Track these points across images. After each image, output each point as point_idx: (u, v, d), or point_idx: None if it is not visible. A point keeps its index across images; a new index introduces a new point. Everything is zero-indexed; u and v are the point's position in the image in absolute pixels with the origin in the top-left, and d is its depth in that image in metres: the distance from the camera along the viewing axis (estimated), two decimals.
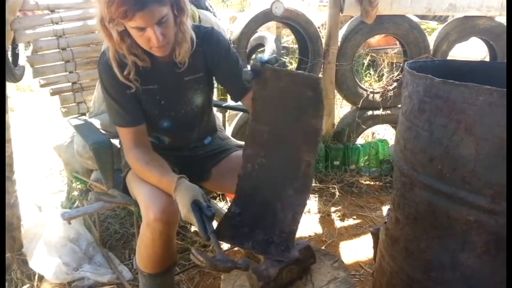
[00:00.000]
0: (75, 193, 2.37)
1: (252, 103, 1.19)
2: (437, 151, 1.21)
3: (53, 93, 1.91)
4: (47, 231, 1.94)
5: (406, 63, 1.41)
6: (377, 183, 2.92)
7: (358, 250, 2.14)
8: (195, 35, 1.36)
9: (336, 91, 2.91)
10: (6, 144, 1.76)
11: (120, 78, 1.30)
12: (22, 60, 3.22)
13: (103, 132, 1.65)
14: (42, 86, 1.89)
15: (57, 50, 1.92)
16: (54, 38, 1.89)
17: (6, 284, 1.76)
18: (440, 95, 1.19)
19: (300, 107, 1.16)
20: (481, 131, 1.11)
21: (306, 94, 1.14)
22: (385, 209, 2.57)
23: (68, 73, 1.93)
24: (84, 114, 1.96)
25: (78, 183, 2.17)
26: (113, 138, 1.57)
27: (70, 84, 1.94)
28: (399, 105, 3.05)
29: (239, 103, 1.66)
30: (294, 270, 1.07)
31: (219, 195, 2.47)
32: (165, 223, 1.25)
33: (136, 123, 1.37)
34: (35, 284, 1.79)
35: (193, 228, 2.25)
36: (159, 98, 1.42)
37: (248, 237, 1.12)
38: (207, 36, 1.42)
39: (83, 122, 1.74)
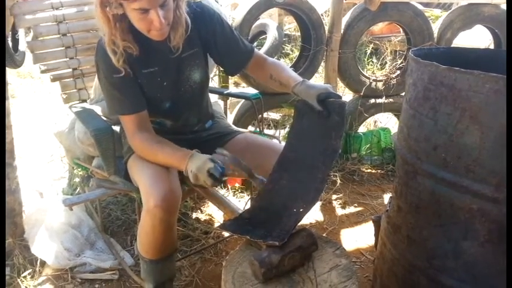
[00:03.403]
0: (77, 179, 2.37)
1: (288, 135, 1.39)
2: (442, 139, 1.20)
3: (54, 80, 1.89)
4: (49, 217, 1.94)
5: (410, 50, 1.39)
6: (379, 171, 2.91)
7: (359, 237, 2.15)
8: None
9: (338, 79, 2.89)
10: (7, 131, 1.76)
11: (115, 65, 1.29)
12: (22, 46, 3.19)
13: (104, 118, 1.63)
14: (42, 72, 1.88)
15: (58, 35, 1.89)
16: (55, 23, 1.87)
17: (9, 269, 1.77)
18: (445, 82, 1.17)
19: (325, 133, 1.27)
20: (486, 119, 1.10)
21: (333, 120, 1.26)
22: (386, 197, 2.57)
23: (68, 59, 1.90)
24: (85, 100, 1.95)
25: (79, 169, 2.17)
26: (114, 125, 1.55)
27: (71, 70, 1.92)
28: (402, 94, 3.03)
29: (241, 90, 1.66)
30: (296, 257, 1.07)
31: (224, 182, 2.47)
32: (166, 210, 1.24)
33: (138, 109, 1.36)
34: (37, 269, 1.80)
35: (194, 215, 2.26)
36: (160, 80, 1.41)
37: (249, 231, 1.16)
38: (199, 13, 1.42)
39: (83, 109, 1.73)
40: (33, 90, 4.80)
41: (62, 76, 1.91)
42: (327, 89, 1.28)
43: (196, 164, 1.22)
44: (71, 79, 1.92)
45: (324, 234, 2.14)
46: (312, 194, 1.19)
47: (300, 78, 1.38)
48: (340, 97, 1.29)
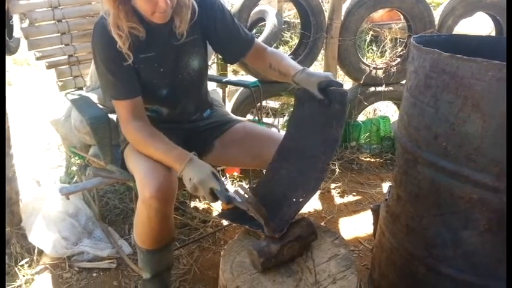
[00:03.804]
0: (74, 168, 2.35)
1: (288, 124, 1.35)
2: (443, 128, 1.18)
3: (49, 67, 1.86)
4: (46, 206, 1.93)
5: (412, 37, 1.37)
6: (377, 160, 2.90)
7: (357, 226, 2.15)
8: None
9: (338, 67, 2.86)
10: None
11: (117, 48, 1.26)
12: (17, 32, 3.14)
13: (100, 106, 1.61)
14: (37, 58, 1.84)
15: (53, 21, 1.85)
16: (50, 9, 1.83)
17: (6, 258, 1.77)
18: (447, 70, 1.15)
19: (326, 122, 1.26)
20: (489, 107, 1.08)
21: (334, 108, 1.24)
22: (385, 185, 2.56)
23: (63, 46, 1.87)
24: (81, 88, 1.91)
25: (76, 158, 2.15)
26: (110, 113, 1.53)
27: (66, 57, 1.88)
28: (402, 82, 3.00)
29: (240, 78, 1.64)
30: (295, 247, 1.06)
31: (218, 171, 2.45)
32: (161, 201, 1.22)
33: (133, 94, 1.33)
34: (35, 258, 1.79)
35: (192, 204, 2.25)
36: (158, 65, 1.38)
37: (248, 221, 1.14)
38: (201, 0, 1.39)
39: (79, 96, 1.70)
40: (30, 77, 4.76)
41: (58, 63, 1.87)
42: (328, 77, 1.26)
43: (198, 175, 1.16)
44: (67, 66, 1.89)
45: (322, 223, 2.14)
46: (312, 184, 1.18)
47: (300, 67, 1.35)
48: (341, 85, 1.27)
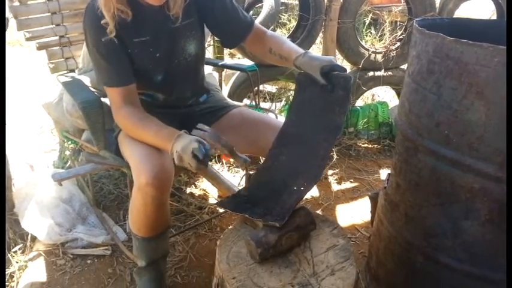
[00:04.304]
0: (68, 152, 2.31)
1: (288, 109, 1.31)
2: (445, 115, 1.15)
3: (39, 48, 1.80)
4: (39, 191, 1.90)
5: (415, 20, 1.32)
6: (375, 146, 2.88)
7: (354, 213, 2.13)
8: None
9: (336, 50, 2.80)
10: None
11: (108, 29, 1.21)
12: (6, 11, 3.05)
13: (93, 90, 1.56)
14: (27, 39, 1.78)
15: (43, 0, 1.79)
16: None
17: None
18: (451, 55, 1.11)
19: (328, 107, 1.22)
20: (493, 94, 1.04)
21: (337, 94, 1.21)
22: (382, 172, 2.55)
23: (54, 26, 1.80)
24: (73, 70, 1.86)
25: (69, 142, 2.11)
26: (103, 97, 1.48)
27: (57, 38, 1.82)
28: (401, 66, 2.96)
29: (237, 61, 1.59)
30: (293, 237, 1.03)
31: (214, 157, 2.43)
32: (157, 188, 1.19)
33: (126, 82, 1.28)
34: (28, 244, 1.77)
35: (188, 190, 2.22)
36: (153, 50, 1.33)
37: (248, 209, 1.11)
38: None
39: (71, 79, 1.65)
40: (23, 58, 4.67)
41: (48, 44, 1.81)
42: (331, 61, 1.21)
43: (181, 144, 1.13)
44: (58, 47, 1.83)
45: (319, 210, 2.13)
46: (314, 171, 1.14)
47: (302, 50, 1.30)
48: (345, 70, 1.22)
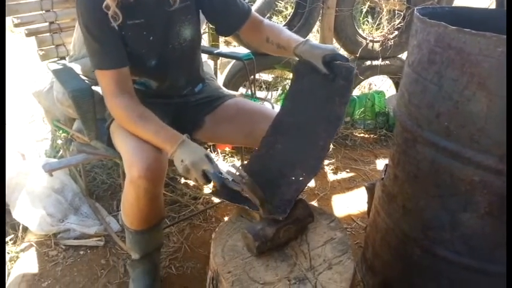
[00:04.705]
0: (59, 141, 2.26)
1: (285, 97, 1.26)
2: (446, 106, 1.12)
3: (28, 34, 1.74)
4: (30, 181, 1.86)
5: (416, 9, 1.29)
6: (371, 136, 2.86)
7: (350, 204, 2.12)
8: None
9: (334, 39, 2.76)
10: None
11: (103, 9, 1.16)
12: None
13: (84, 78, 1.52)
14: (16, 25, 1.72)
15: None
16: None
17: None
18: (453, 45, 1.08)
19: (328, 97, 1.18)
20: (496, 86, 1.02)
21: (338, 84, 1.17)
22: (379, 162, 2.53)
23: (44, 12, 1.74)
24: (63, 58, 1.80)
25: (60, 132, 2.07)
26: (94, 85, 1.44)
27: (47, 24, 1.76)
28: (399, 55, 2.93)
29: (232, 50, 1.55)
30: (291, 230, 1.01)
31: (209, 147, 2.40)
32: (150, 181, 1.16)
33: (119, 64, 1.22)
34: (19, 234, 1.74)
35: (183, 180, 2.19)
36: (147, 34, 1.28)
37: (246, 200, 1.07)
38: None
39: (62, 67, 1.60)
40: (14, 44, 4.57)
41: (38, 31, 1.75)
42: (333, 50, 1.18)
43: (191, 157, 1.09)
44: (48, 34, 1.77)
45: (315, 200, 2.11)
46: (312, 162, 1.11)
47: (301, 39, 1.27)
48: (347, 60, 1.18)
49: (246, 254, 1.00)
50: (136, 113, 1.21)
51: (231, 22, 1.39)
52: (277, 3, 4.37)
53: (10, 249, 1.68)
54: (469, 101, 1.07)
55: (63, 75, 1.49)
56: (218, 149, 2.42)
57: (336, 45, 2.88)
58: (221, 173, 1.07)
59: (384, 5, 3.33)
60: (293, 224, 1.01)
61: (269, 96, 2.84)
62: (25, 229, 1.77)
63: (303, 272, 0.94)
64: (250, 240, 0.97)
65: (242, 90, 2.73)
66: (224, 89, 1.68)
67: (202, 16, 1.43)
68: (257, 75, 2.88)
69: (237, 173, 1.01)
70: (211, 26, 2.35)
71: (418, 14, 1.23)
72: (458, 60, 1.07)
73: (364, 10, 4.11)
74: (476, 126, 1.07)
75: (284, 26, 2.51)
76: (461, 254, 1.20)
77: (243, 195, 1.06)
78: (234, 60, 2.51)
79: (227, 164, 2.37)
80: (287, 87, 2.87)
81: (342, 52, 2.97)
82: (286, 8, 4.42)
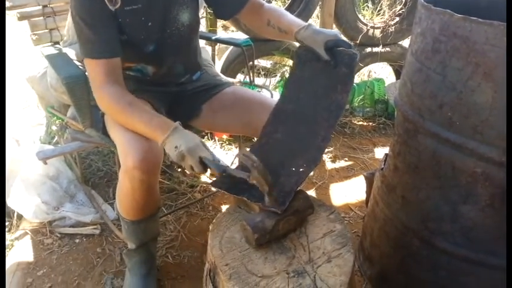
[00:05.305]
0: (54, 128, 2.23)
1: (285, 84, 1.24)
2: (449, 97, 1.10)
3: (21, 18, 1.69)
4: (25, 168, 1.83)
5: None
6: (370, 123, 2.83)
7: (348, 193, 2.11)
8: None
9: (334, 25, 2.71)
10: None
11: None
12: None
13: (78, 64, 1.48)
14: (8, 9, 1.67)
15: None
16: None
17: None
18: (459, 33, 1.05)
19: (330, 85, 1.15)
20: (502, 76, 0.99)
21: (340, 71, 1.14)
22: (377, 150, 2.51)
23: None
24: (57, 42, 1.76)
25: (54, 118, 2.03)
26: None
27: (40, 7, 1.71)
28: (400, 42, 2.88)
29: (230, 35, 1.51)
30: (291, 221, 0.99)
31: (206, 134, 2.37)
32: (145, 171, 1.13)
33: (110, 54, 1.17)
34: (14, 222, 1.72)
35: (179, 168, 2.17)
36: (145, 19, 1.24)
37: (245, 191, 1.04)
38: None
39: (55, 52, 1.56)
40: (6, 29, 4.48)
41: (31, 14, 1.70)
42: (336, 36, 1.14)
43: (186, 143, 1.03)
44: (41, 18, 1.72)
45: (313, 189, 2.10)
46: (313, 152, 1.08)
47: (304, 23, 1.22)
48: (350, 46, 1.15)
49: (244, 246, 0.98)
50: (125, 101, 1.14)
51: (230, 5, 1.35)
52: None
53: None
54: (474, 92, 1.04)
55: (57, 60, 1.44)
56: (215, 137, 2.39)
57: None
58: (219, 160, 1.04)
59: None
60: (293, 216, 0.99)
61: (267, 83, 2.80)
62: (20, 217, 1.75)
63: (301, 265, 0.93)
64: (249, 233, 0.95)
65: (240, 76, 2.69)
66: (222, 76, 1.64)
67: (201, 0, 1.38)
68: (255, 62, 2.83)
69: (248, 158, 0.96)
70: (209, 11, 2.30)
71: (422, 0, 1.19)
72: (464, 49, 1.04)
73: None
74: (480, 117, 1.05)
75: None
76: (461, 246, 1.19)
77: (242, 185, 1.03)
78: (232, 47, 2.46)
79: (223, 150, 2.35)
80: (286, 74, 2.83)
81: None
82: None
